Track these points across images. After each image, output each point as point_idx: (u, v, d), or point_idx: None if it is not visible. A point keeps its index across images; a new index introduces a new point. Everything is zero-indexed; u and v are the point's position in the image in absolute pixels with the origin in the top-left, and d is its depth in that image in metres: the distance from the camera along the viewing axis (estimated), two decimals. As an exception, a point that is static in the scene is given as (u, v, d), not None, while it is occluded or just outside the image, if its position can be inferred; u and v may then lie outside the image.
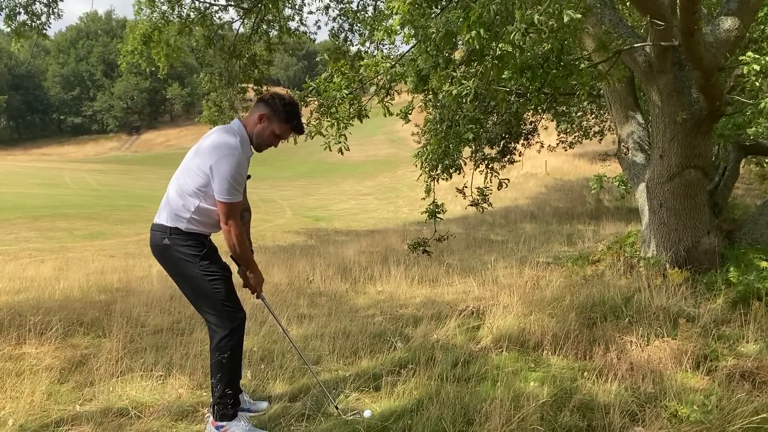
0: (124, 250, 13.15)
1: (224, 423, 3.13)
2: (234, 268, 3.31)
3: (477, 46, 3.65)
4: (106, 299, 6.33)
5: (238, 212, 3.10)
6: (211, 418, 3.18)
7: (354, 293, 6.78)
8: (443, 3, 5.43)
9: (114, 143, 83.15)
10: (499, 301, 5.43)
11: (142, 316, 5.54)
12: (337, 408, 3.40)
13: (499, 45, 3.92)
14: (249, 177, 3.25)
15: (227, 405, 3.15)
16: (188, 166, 3.08)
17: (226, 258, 3.30)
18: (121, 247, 13.71)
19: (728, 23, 5.71)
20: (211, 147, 3.02)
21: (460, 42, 4.88)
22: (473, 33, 3.59)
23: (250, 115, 3.21)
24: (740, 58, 5.19)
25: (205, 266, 3.10)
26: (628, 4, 9.22)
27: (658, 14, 5.12)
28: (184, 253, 3.08)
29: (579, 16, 3.35)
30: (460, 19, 3.78)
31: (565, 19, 3.24)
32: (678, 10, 4.85)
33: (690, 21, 4.77)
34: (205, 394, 3.69)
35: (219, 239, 3.20)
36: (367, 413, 3.30)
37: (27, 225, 17.43)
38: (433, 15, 5.14)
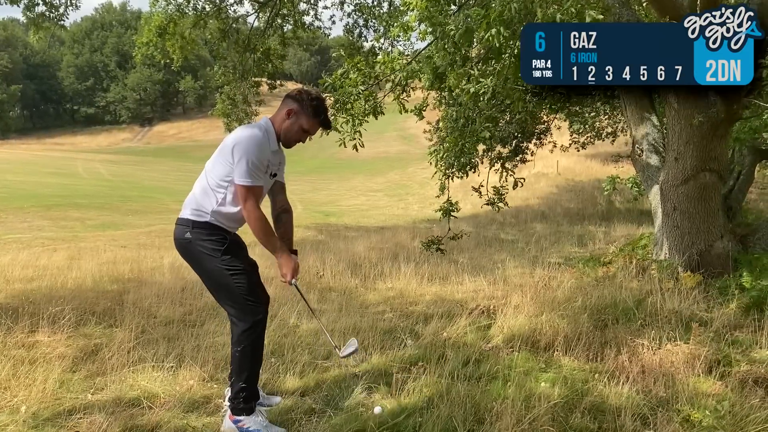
0: (136, 240, 13.22)
1: (242, 417, 3.12)
2: (261, 263, 3.32)
3: (496, 44, 3.63)
4: (118, 289, 6.37)
5: (258, 197, 3.11)
6: (229, 411, 3.18)
7: (364, 289, 6.77)
8: (461, 0, 5.41)
9: (126, 134, 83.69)
10: (509, 300, 5.41)
11: (154, 307, 5.56)
12: (336, 348, 3.52)
13: (517, 43, 3.91)
14: (275, 176, 3.28)
15: (246, 399, 3.14)
16: (214, 158, 3.15)
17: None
18: (132, 238, 13.79)
19: (748, 26, 5.64)
20: (235, 135, 3.10)
21: (475, 40, 4.85)
22: (493, 31, 3.57)
23: (278, 111, 3.26)
24: (759, 61, 5.13)
25: (227, 261, 3.10)
26: (645, 4, 9.14)
27: (676, 15, 5.07)
28: (206, 247, 3.09)
29: (601, 17, 3.32)
30: (480, 17, 3.76)
31: (587, 19, 3.23)
32: (697, 11, 4.81)
33: (710, 23, 4.72)
34: (216, 385, 3.71)
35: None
36: (377, 410, 3.30)
37: (40, 214, 17.58)
38: (450, 12, 5.12)
